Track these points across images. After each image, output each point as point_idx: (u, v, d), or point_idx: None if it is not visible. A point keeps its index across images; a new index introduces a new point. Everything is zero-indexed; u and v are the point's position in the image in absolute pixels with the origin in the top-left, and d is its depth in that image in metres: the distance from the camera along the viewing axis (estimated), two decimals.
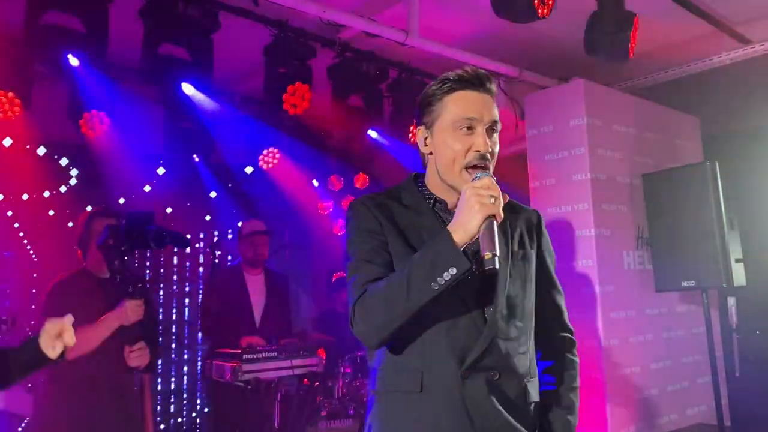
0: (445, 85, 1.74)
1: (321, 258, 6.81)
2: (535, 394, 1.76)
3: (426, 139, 1.79)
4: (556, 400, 1.81)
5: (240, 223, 5.10)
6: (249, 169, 5.95)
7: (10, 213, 5.17)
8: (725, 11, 4.38)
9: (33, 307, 5.10)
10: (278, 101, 4.25)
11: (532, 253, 1.86)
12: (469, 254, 1.60)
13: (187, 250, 6.03)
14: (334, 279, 5.89)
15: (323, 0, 3.85)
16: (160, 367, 5.68)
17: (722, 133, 5.30)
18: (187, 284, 6.06)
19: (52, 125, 4.70)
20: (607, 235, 4.37)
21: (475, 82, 1.73)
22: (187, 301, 6.03)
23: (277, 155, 5.79)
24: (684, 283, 4.11)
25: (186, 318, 5.98)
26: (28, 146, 5.14)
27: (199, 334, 5.82)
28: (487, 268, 1.53)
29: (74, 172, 5.45)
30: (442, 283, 1.54)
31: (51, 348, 2.13)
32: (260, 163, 5.78)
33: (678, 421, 4.52)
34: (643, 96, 5.05)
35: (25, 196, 5.27)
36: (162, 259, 5.99)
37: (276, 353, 3.98)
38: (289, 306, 4.96)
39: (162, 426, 5.65)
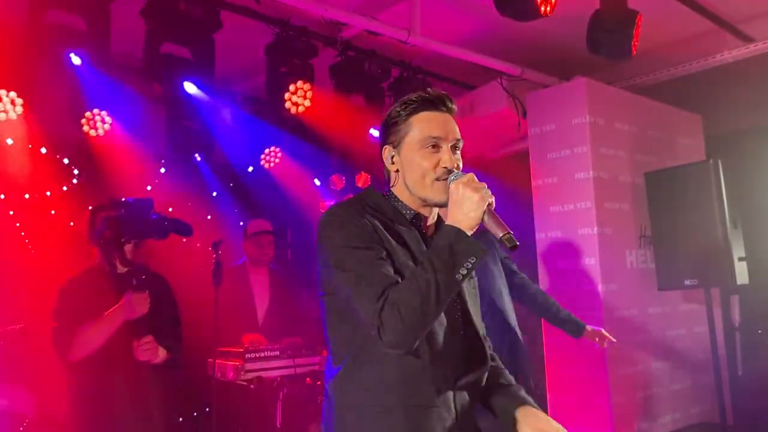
0: (410, 106, 1.82)
1: (317, 255, 6.79)
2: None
3: (393, 157, 1.84)
4: (505, 381, 1.95)
5: (241, 223, 5.09)
6: (251, 169, 5.95)
7: (11, 212, 5.17)
8: (728, 9, 4.37)
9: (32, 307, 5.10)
10: (280, 100, 4.25)
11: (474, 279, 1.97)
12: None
13: (197, 245, 6.02)
14: None
15: None
16: None
17: (725, 132, 5.29)
18: (190, 284, 6.04)
19: (54, 124, 4.70)
20: (610, 233, 4.36)
21: (438, 102, 1.82)
22: (190, 301, 6.01)
23: (279, 154, 5.78)
24: (687, 282, 4.10)
25: (189, 317, 5.96)
26: (30, 145, 5.14)
27: (202, 334, 5.80)
28: (510, 245, 1.62)
29: (76, 171, 5.45)
30: (464, 273, 1.60)
31: None
32: (262, 162, 5.78)
33: (681, 419, 4.51)
34: (645, 94, 5.04)
35: (26, 196, 5.26)
36: (166, 258, 5.98)
37: (279, 352, 3.97)
38: (293, 306, 4.95)
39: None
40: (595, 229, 4.28)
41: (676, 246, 4.16)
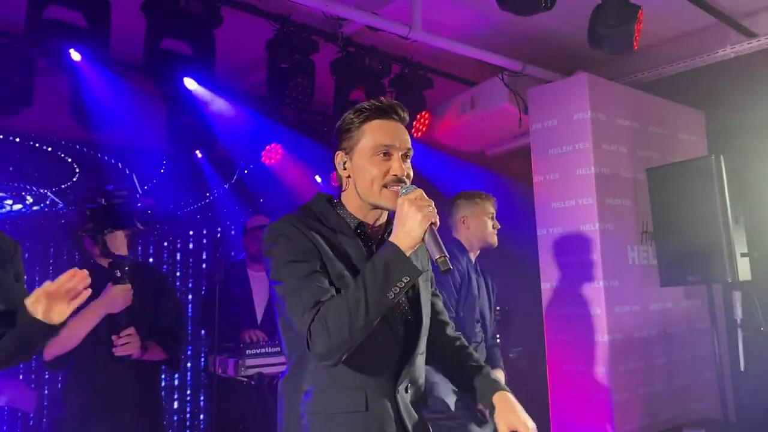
0: (363, 114, 1.85)
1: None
2: (425, 399, 1.95)
3: (345, 163, 1.87)
4: (475, 362, 2.03)
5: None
6: (251, 165, 5.94)
7: (9, 208, 5.17)
8: (730, 4, 4.34)
9: None
10: (281, 96, 4.24)
11: (429, 269, 2.05)
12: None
13: (190, 245, 6.02)
14: None
15: None
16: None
17: (727, 128, 5.27)
18: (190, 280, 6.06)
19: (54, 121, 4.70)
20: (612, 229, 4.35)
21: (390, 111, 1.86)
22: (190, 297, 6.03)
23: (280, 151, 5.78)
24: (689, 278, 4.09)
25: (189, 314, 5.98)
26: (31, 143, 5.14)
27: (202, 330, 5.82)
28: (443, 269, 1.65)
29: (76, 168, 5.44)
30: (397, 291, 1.64)
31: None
32: (263, 158, 5.77)
33: (683, 416, 4.50)
34: (647, 90, 5.02)
35: (29, 198, 5.26)
36: (165, 254, 6.00)
37: (278, 348, 3.97)
38: None
39: (164, 422, 5.65)
40: (597, 225, 4.27)
41: (677, 242, 4.14)
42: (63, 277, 1.88)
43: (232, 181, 6.19)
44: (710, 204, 3.99)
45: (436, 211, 1.69)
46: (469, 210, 3.38)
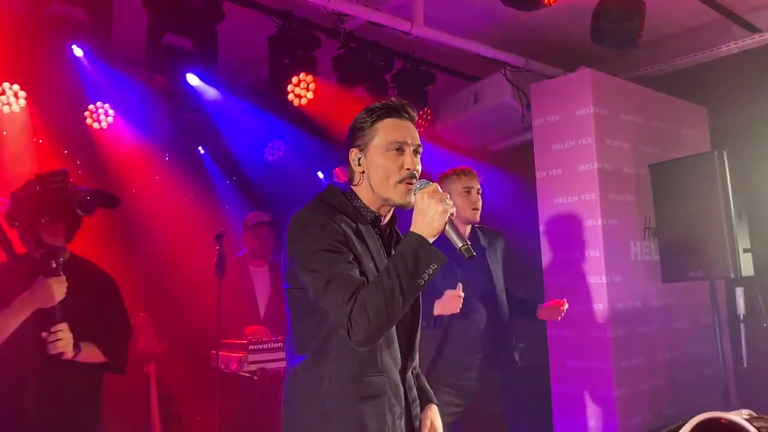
0: (375, 113, 1.97)
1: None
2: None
3: (359, 159, 1.98)
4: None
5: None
6: (254, 161, 5.94)
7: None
8: None
9: None
10: (283, 92, 4.24)
11: None
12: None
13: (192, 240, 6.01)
14: None
15: None
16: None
17: (730, 123, 5.26)
18: (193, 276, 6.05)
19: (56, 117, 4.70)
20: (614, 225, 4.35)
21: (401, 110, 1.98)
22: (193, 293, 6.02)
23: (282, 147, 5.77)
24: (691, 274, 4.08)
25: (192, 309, 5.97)
26: (34, 138, 5.14)
27: (205, 326, 5.82)
28: (468, 256, 1.78)
29: (79, 162, 5.44)
30: (426, 278, 1.75)
31: None
32: (266, 154, 5.77)
33: (685, 411, 4.49)
34: (650, 85, 5.01)
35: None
36: (169, 250, 5.99)
37: (282, 344, 3.97)
38: None
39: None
40: (600, 220, 4.27)
41: (680, 237, 4.14)
42: None
43: (234, 178, 6.18)
44: (713, 199, 3.98)
45: (452, 203, 1.81)
46: (449, 187, 3.38)
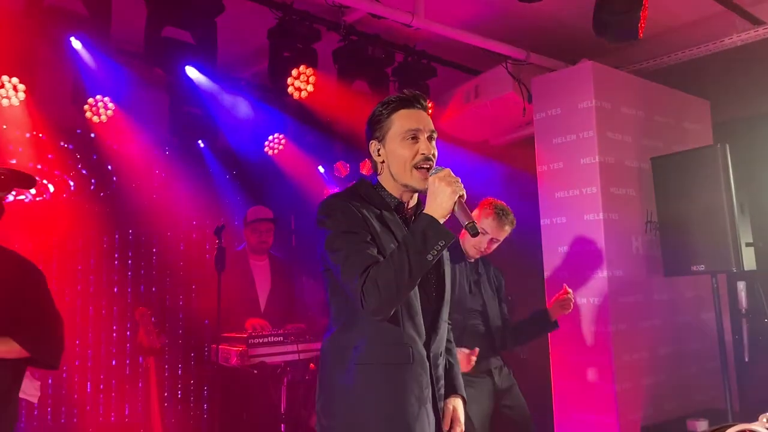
0: (390, 105, 2.14)
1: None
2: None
3: (379, 150, 2.16)
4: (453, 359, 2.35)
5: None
6: (254, 155, 5.92)
7: (11, 199, 5.16)
8: None
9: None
10: (283, 85, 4.21)
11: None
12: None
13: (193, 235, 6.00)
14: None
15: None
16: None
17: (733, 117, 5.22)
18: (193, 270, 6.05)
19: (55, 110, 4.68)
20: (616, 219, 4.33)
21: (414, 101, 2.15)
22: (193, 286, 6.03)
23: (283, 141, 5.75)
24: (693, 268, 4.06)
25: (192, 303, 5.97)
26: (34, 132, 5.13)
27: (205, 320, 5.82)
28: (473, 233, 1.93)
29: (78, 157, 5.43)
30: (435, 253, 1.90)
31: None
32: (266, 149, 5.75)
33: (687, 406, 4.49)
34: (652, 78, 4.98)
35: (31, 191, 5.25)
36: (169, 244, 5.99)
37: (282, 337, 3.96)
38: (294, 292, 4.94)
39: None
40: (601, 214, 4.25)
41: (682, 231, 4.12)
42: None
43: (235, 172, 6.17)
44: (715, 193, 3.96)
45: (462, 185, 1.95)
46: (483, 219, 3.46)
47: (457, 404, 2.21)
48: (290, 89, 4.24)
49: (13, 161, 5.00)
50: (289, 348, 3.96)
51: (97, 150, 5.37)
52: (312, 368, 4.25)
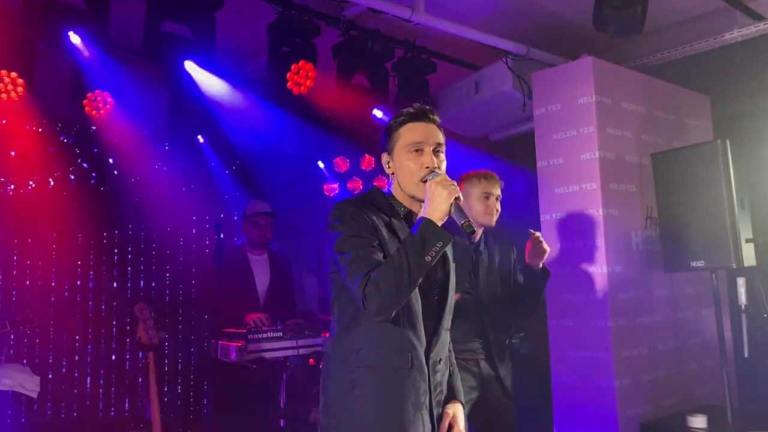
0: (399, 119, 2.22)
1: (326, 239, 6.78)
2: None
3: (389, 162, 2.24)
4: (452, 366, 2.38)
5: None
6: (253, 150, 5.92)
7: (11, 192, 5.16)
8: None
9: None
10: (282, 80, 4.20)
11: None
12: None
13: (193, 230, 6.00)
14: None
15: None
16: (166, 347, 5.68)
17: (733, 113, 5.21)
18: (192, 265, 6.06)
19: (54, 105, 4.67)
20: (616, 215, 4.32)
21: (421, 115, 2.22)
22: (193, 281, 6.03)
23: (282, 136, 5.74)
24: (693, 264, 4.06)
25: (192, 298, 5.98)
26: (33, 127, 5.12)
27: (204, 315, 5.82)
28: (469, 231, 2.00)
29: (78, 152, 5.42)
30: (433, 255, 1.97)
31: None
32: (264, 143, 5.74)
33: (686, 402, 4.49)
34: (652, 74, 4.96)
35: (31, 183, 5.25)
36: (169, 239, 5.99)
37: (281, 333, 3.97)
38: (293, 288, 4.95)
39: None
40: (601, 210, 4.24)
41: (682, 227, 4.11)
42: None
43: (234, 167, 6.16)
44: (715, 189, 3.95)
45: (458, 188, 2.02)
46: (468, 189, 3.42)
47: (456, 410, 2.24)
48: (290, 84, 4.23)
49: (12, 153, 5.00)
50: (289, 343, 3.96)
51: (96, 144, 5.36)
52: (311, 363, 4.25)
